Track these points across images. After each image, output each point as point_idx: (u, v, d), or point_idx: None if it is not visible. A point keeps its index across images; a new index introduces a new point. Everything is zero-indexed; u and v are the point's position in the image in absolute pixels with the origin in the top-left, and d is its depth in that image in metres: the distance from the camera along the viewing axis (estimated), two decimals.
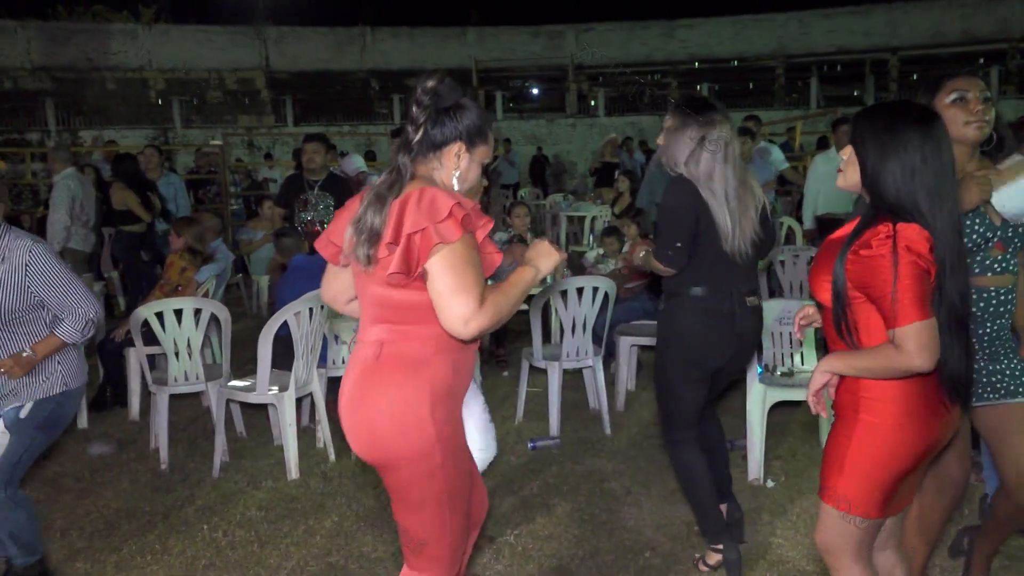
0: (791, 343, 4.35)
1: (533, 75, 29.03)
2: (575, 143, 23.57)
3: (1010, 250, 2.46)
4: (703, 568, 3.20)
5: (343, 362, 4.75)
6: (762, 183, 7.70)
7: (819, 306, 2.15)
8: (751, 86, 27.01)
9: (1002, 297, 2.46)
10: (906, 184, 1.91)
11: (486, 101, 26.76)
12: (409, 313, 1.99)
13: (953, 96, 2.38)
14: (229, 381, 4.51)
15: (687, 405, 3.08)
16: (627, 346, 5.22)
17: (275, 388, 4.27)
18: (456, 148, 2.05)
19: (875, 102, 24.39)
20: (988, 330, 2.47)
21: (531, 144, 22.20)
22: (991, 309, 2.46)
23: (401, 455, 2.02)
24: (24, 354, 2.89)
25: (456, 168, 2.06)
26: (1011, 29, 24.51)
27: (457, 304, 1.89)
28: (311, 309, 4.23)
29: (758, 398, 4.04)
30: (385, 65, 27.65)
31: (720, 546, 3.10)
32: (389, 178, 2.02)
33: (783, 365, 4.35)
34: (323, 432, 4.55)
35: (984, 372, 2.46)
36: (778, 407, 4.17)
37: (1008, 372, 2.48)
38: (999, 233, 2.42)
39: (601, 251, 7.03)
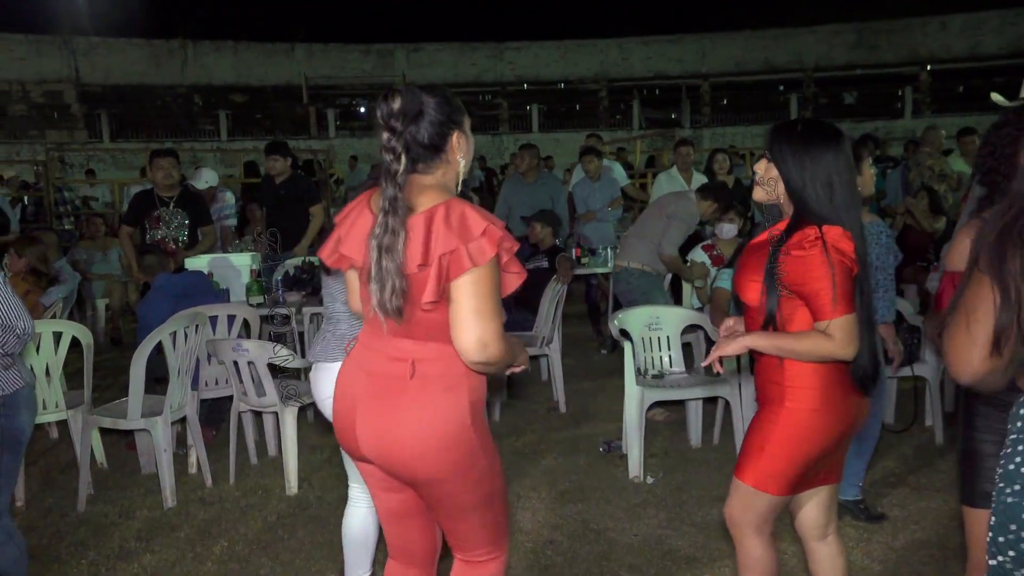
0: (659, 347, 4.62)
1: (364, 93, 28.81)
2: None
3: None
4: None
5: (216, 383, 4.59)
6: (609, 199, 8.03)
7: (740, 305, 2.35)
8: (577, 107, 28.18)
9: None
10: (826, 195, 2.15)
11: (317, 118, 26.36)
12: (441, 330, 1.92)
13: None
14: (91, 409, 4.25)
15: None
16: None
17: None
18: (455, 138, 1.97)
19: (690, 125, 26.08)
20: None
21: (366, 163, 22.01)
22: None
23: (448, 470, 1.98)
24: None
25: (462, 155, 2.01)
26: (804, 60, 26.98)
27: (478, 326, 1.85)
28: (186, 329, 4.08)
29: (635, 399, 4.26)
30: (208, 80, 26.65)
31: None
32: (389, 223, 1.85)
33: (653, 368, 4.61)
34: (199, 457, 4.36)
35: None
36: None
37: None
38: None
39: None
